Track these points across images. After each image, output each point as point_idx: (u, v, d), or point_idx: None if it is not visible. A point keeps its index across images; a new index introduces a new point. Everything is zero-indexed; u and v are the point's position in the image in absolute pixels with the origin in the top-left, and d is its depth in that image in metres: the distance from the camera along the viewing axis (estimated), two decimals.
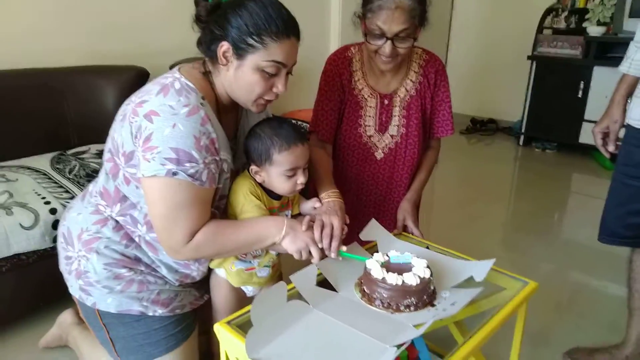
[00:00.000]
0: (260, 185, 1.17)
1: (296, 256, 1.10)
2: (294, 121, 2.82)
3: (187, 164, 0.98)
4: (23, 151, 2.00)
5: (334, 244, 1.11)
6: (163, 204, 1.01)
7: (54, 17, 2.25)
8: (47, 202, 1.64)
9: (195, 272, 1.20)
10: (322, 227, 1.11)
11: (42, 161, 1.95)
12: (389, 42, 1.29)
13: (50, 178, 1.82)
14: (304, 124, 2.71)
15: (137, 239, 1.14)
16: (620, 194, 1.42)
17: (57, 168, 1.90)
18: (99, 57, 2.37)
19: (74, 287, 1.17)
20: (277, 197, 1.20)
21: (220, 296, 1.25)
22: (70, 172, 1.88)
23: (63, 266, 1.19)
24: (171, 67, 1.16)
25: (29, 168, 1.87)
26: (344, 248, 1.12)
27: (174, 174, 0.97)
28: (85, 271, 1.13)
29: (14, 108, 2.00)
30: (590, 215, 2.88)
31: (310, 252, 1.09)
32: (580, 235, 2.71)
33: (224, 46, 1.03)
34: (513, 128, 4.65)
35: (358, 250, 1.21)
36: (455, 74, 4.98)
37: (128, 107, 1.05)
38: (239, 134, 1.24)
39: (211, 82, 1.10)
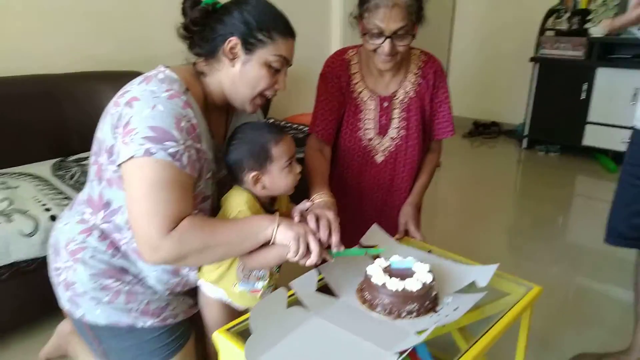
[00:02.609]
0: (256, 197, 1.13)
1: (293, 247, 0.99)
2: (295, 125, 2.83)
3: (167, 143, 0.94)
4: (24, 158, 2.00)
5: (335, 237, 1.04)
6: (140, 187, 0.94)
7: (52, 21, 2.24)
8: (48, 209, 1.64)
9: (186, 277, 1.15)
10: (317, 220, 1.06)
11: (43, 168, 1.95)
12: (388, 40, 1.28)
13: (51, 185, 1.81)
14: (305, 128, 2.71)
15: (123, 247, 1.10)
16: (627, 194, 1.41)
17: (58, 174, 1.90)
18: (95, 61, 2.36)
19: (63, 298, 1.14)
20: (271, 211, 1.15)
21: (211, 316, 1.19)
22: (71, 179, 1.87)
23: (53, 278, 1.17)
24: None
25: (30, 175, 1.87)
26: (342, 247, 1.05)
27: (153, 153, 0.93)
28: (73, 282, 1.10)
29: (14, 115, 2.00)
30: (594, 218, 2.87)
31: (308, 246, 1.00)
32: (585, 238, 2.69)
33: (233, 41, 1.04)
34: (516, 131, 4.63)
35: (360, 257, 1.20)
36: (457, 77, 4.99)
37: (110, 102, 1.04)
38: (228, 136, 1.20)
39: (202, 82, 1.10)
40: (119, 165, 0.98)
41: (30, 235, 1.55)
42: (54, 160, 2.03)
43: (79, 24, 2.34)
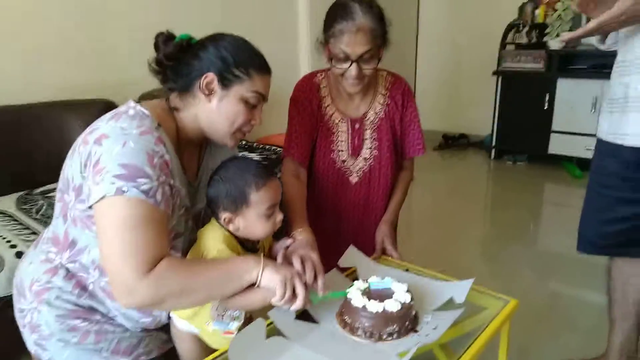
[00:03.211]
0: (234, 235, 1.08)
1: (280, 291, 0.95)
2: (267, 147, 2.82)
3: (140, 180, 0.90)
4: None
5: (320, 281, 1.02)
6: (113, 227, 0.89)
7: (20, 53, 2.20)
8: (13, 246, 1.58)
9: (159, 317, 1.11)
10: (302, 261, 1.05)
11: (7, 202, 1.88)
12: (354, 64, 1.30)
13: (15, 220, 1.75)
14: (277, 149, 2.71)
15: (91, 287, 1.06)
16: (595, 203, 1.45)
17: (23, 209, 1.84)
18: (65, 90, 2.31)
19: (29, 341, 1.08)
20: (252, 249, 1.11)
21: (185, 350, 1.12)
22: (37, 212, 1.82)
23: (18, 320, 1.11)
24: (140, 98, 1.12)
25: None
26: (327, 291, 1.02)
27: (125, 191, 0.88)
28: (38, 324, 1.05)
29: None
30: (564, 224, 2.95)
31: (294, 289, 0.97)
32: (556, 244, 2.76)
33: (209, 77, 1.03)
34: (484, 142, 4.74)
35: (339, 279, 1.20)
36: (425, 92, 5.09)
37: (79, 139, 1.01)
38: (201, 172, 1.18)
39: (175, 117, 1.08)
40: (90, 206, 0.94)
41: None
42: (18, 194, 1.97)
43: (51, 56, 2.30)
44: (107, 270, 0.93)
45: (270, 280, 0.96)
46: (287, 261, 1.06)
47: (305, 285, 0.99)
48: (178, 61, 1.06)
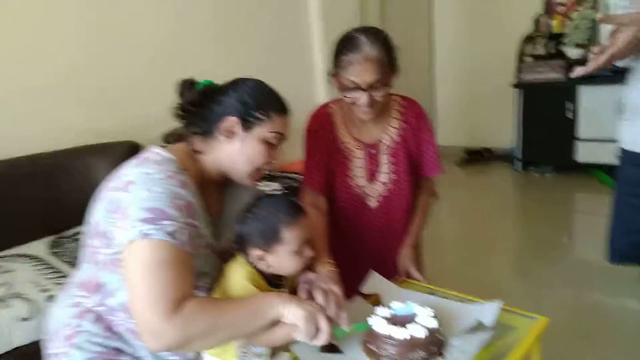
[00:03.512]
0: (259, 272, 1.09)
1: (304, 327, 0.96)
2: (288, 174, 2.85)
3: (164, 222, 0.92)
4: (19, 239, 1.99)
5: (343, 314, 1.03)
6: (139, 271, 0.91)
7: (43, 100, 2.28)
8: (46, 290, 1.62)
9: (186, 355, 1.10)
10: (325, 295, 1.05)
11: (39, 247, 1.94)
12: (364, 93, 1.31)
13: (48, 264, 1.80)
14: (297, 176, 2.73)
15: (118, 329, 1.07)
16: (623, 212, 1.42)
17: (55, 252, 1.89)
18: (91, 134, 2.38)
19: None
20: (276, 285, 1.12)
21: None
22: (68, 256, 1.87)
23: None
24: (163, 137, 1.17)
25: (26, 256, 1.86)
26: (351, 326, 1.03)
27: (150, 234, 0.91)
28: None
29: (7, 197, 2.00)
30: (598, 234, 2.83)
31: (317, 323, 0.98)
32: (592, 255, 2.66)
33: (231, 120, 1.07)
34: (509, 155, 4.67)
35: (362, 307, 1.18)
36: (445, 109, 5.07)
37: (104, 186, 1.05)
38: (222, 211, 1.20)
39: (198, 160, 1.11)
40: (117, 251, 0.96)
41: (29, 319, 1.53)
42: (49, 238, 2.03)
43: (74, 101, 2.38)
44: (134, 314, 0.94)
45: (294, 316, 0.97)
46: (310, 296, 1.07)
47: (329, 319, 0.99)
48: (201, 106, 1.09)
